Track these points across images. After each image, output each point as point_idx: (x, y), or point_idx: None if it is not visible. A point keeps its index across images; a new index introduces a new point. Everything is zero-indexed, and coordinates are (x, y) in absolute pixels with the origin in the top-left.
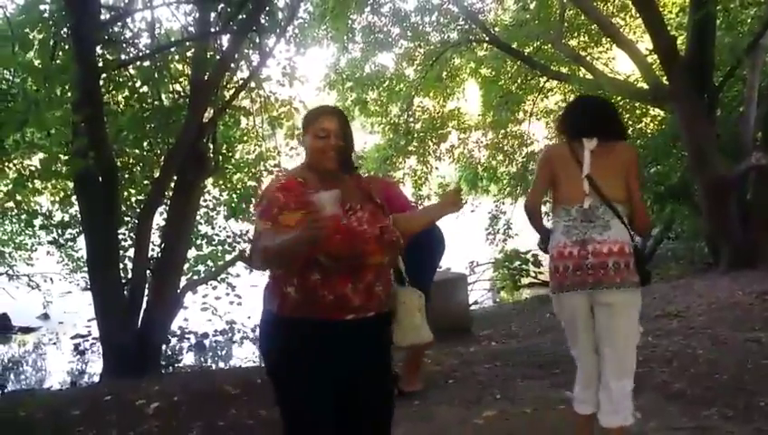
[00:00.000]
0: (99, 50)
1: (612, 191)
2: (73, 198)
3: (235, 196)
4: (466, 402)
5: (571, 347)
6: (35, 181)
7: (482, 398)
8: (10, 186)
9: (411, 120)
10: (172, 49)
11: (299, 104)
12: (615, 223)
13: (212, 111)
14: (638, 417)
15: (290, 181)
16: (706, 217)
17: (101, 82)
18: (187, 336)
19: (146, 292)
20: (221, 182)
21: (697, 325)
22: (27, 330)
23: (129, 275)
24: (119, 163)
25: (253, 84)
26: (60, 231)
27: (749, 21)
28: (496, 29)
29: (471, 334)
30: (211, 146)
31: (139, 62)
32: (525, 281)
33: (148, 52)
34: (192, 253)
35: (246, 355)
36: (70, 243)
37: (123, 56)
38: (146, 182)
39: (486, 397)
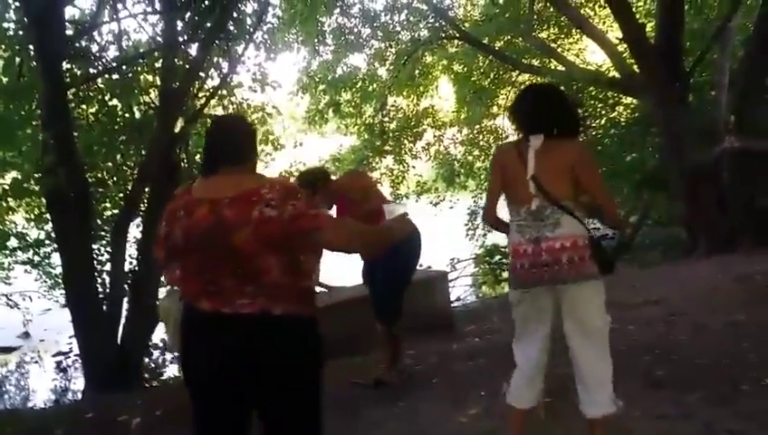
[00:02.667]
0: (66, 65)
1: (560, 191)
2: (47, 215)
3: None
4: (450, 400)
5: (515, 340)
6: (9, 200)
7: (466, 395)
8: None
9: (386, 119)
10: (140, 60)
11: (272, 109)
12: (565, 219)
13: (183, 121)
14: (620, 404)
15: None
16: (683, 203)
17: (70, 97)
18: (169, 349)
19: (125, 305)
20: None
21: (678, 311)
22: (8, 350)
23: (107, 290)
24: (91, 178)
25: (224, 92)
26: (35, 249)
27: (716, 5)
28: (466, 25)
29: (454, 331)
30: (184, 155)
31: (107, 75)
32: (506, 275)
33: (116, 64)
34: None
35: None
36: (46, 260)
37: (91, 70)
38: (120, 195)
39: (470, 394)
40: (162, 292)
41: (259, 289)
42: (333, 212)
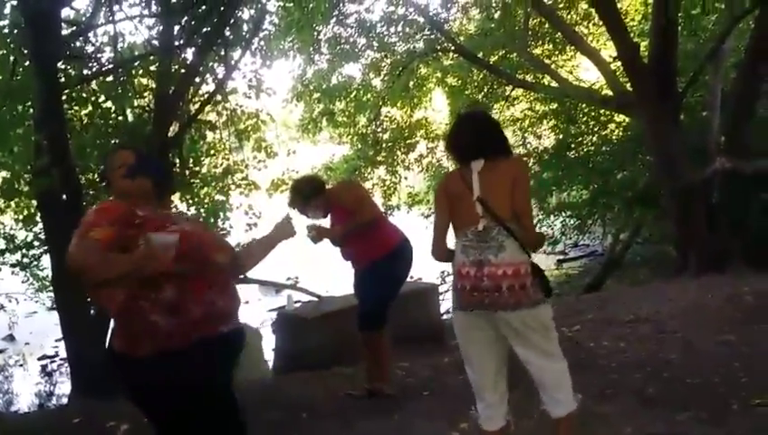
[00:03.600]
0: (60, 65)
1: (505, 212)
2: (37, 217)
3: (202, 210)
4: (442, 414)
5: (466, 366)
6: None
7: (457, 409)
8: None
9: (379, 130)
10: (136, 63)
11: (266, 117)
12: (509, 243)
13: (177, 126)
14: (579, 398)
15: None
16: (674, 222)
17: (64, 99)
18: None
19: None
20: (188, 197)
21: (668, 329)
22: None
23: None
24: (83, 180)
25: (219, 97)
26: (24, 251)
27: (710, 27)
28: (462, 38)
29: (444, 344)
30: (177, 160)
31: (102, 77)
32: None
33: (111, 66)
34: None
35: None
36: (35, 262)
37: (86, 71)
38: (111, 198)
39: (462, 408)
40: None
41: None
42: (327, 221)
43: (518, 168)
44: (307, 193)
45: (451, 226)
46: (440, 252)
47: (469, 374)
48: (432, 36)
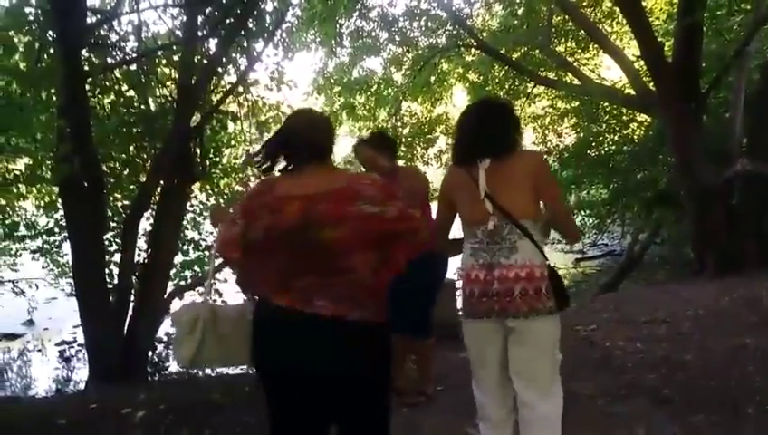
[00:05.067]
0: (84, 53)
1: (517, 208)
2: (58, 203)
3: (222, 201)
4: (456, 411)
5: (474, 382)
6: (20, 186)
7: (470, 406)
8: None
9: (399, 124)
10: (159, 53)
11: (287, 109)
12: (523, 244)
13: (199, 116)
14: None
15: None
16: (693, 223)
17: (87, 87)
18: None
19: (132, 298)
20: (208, 187)
21: (685, 331)
22: (12, 336)
23: (116, 281)
24: (105, 168)
25: (240, 89)
26: (45, 237)
27: (735, 28)
28: (484, 34)
29: (459, 340)
30: (198, 150)
31: (125, 66)
32: None
33: (134, 55)
34: (179, 258)
35: None
36: (55, 248)
37: (109, 60)
38: (132, 187)
39: (475, 405)
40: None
41: (340, 289)
42: None
43: (535, 160)
44: (381, 142)
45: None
46: (440, 247)
47: (474, 390)
48: (454, 32)
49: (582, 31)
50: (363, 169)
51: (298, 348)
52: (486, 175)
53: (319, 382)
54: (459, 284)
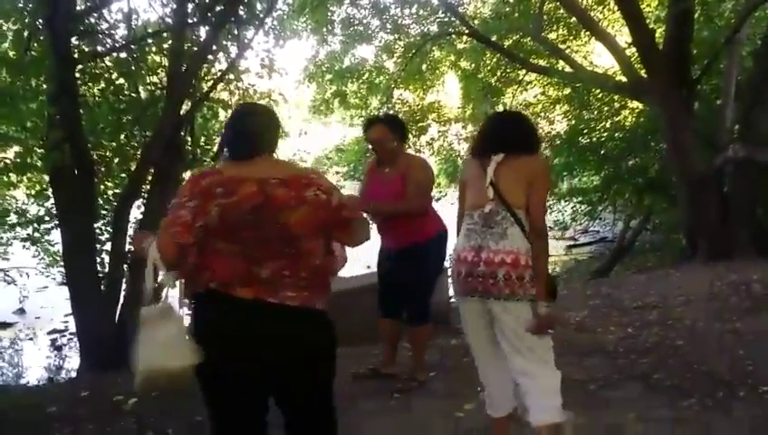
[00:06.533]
0: (74, 41)
1: (514, 198)
2: (49, 192)
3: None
4: (447, 396)
5: (472, 352)
6: (10, 175)
7: (462, 391)
8: None
9: (391, 112)
10: (149, 40)
11: (278, 96)
12: (513, 232)
13: (190, 104)
14: (571, 415)
15: None
16: (684, 210)
17: (77, 74)
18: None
19: (123, 285)
20: None
21: (676, 316)
22: (3, 325)
23: (106, 269)
24: (95, 156)
25: (231, 76)
26: (35, 226)
27: (726, 14)
28: (476, 21)
29: (451, 326)
30: (189, 138)
31: (115, 54)
32: None
33: (124, 43)
34: None
35: None
36: (46, 237)
37: (99, 48)
38: (123, 175)
39: (466, 390)
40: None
41: (305, 276)
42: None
43: (539, 164)
44: (395, 124)
45: None
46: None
47: (478, 369)
48: (446, 19)
49: (574, 18)
50: (370, 147)
51: (265, 343)
52: (496, 167)
53: (285, 369)
54: (450, 269)
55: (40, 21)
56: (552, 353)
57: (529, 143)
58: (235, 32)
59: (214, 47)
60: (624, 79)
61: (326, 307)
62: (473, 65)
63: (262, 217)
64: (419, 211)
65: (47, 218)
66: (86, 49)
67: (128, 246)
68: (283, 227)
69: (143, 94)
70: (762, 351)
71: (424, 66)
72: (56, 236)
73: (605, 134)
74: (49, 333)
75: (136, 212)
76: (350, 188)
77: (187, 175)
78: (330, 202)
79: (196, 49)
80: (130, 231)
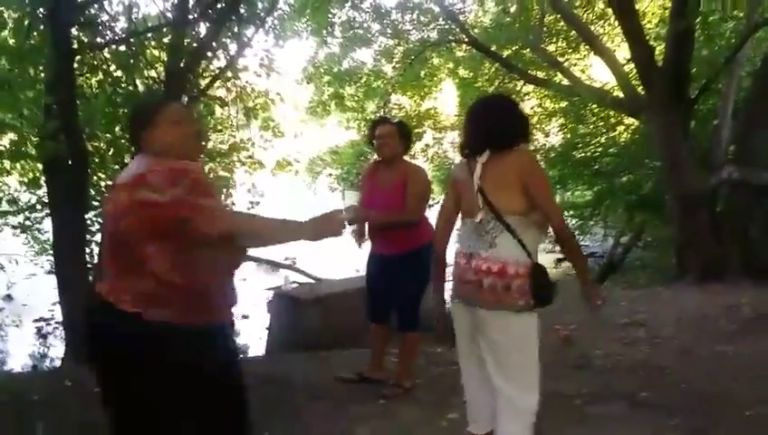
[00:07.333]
0: (74, 32)
1: (505, 204)
2: (42, 180)
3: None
4: (431, 403)
5: (459, 358)
6: (4, 162)
7: (447, 399)
8: None
9: (387, 117)
10: (149, 34)
11: (275, 96)
12: (503, 240)
13: (187, 99)
14: None
15: None
16: (677, 228)
17: (75, 65)
18: None
19: None
20: None
21: (664, 335)
22: None
23: (95, 260)
24: (90, 147)
25: (229, 74)
26: (27, 214)
27: (727, 35)
28: (476, 30)
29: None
30: None
31: (114, 46)
32: None
33: (124, 36)
34: None
35: None
36: (37, 225)
37: (99, 39)
38: (116, 167)
39: (451, 399)
40: None
41: (144, 283)
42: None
43: (524, 160)
44: (401, 128)
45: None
46: (439, 247)
47: (462, 371)
48: (446, 26)
49: (574, 31)
50: (374, 144)
51: (106, 338)
52: (482, 169)
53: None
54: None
55: (41, 10)
56: (536, 369)
57: (512, 135)
58: (236, 29)
59: (213, 44)
60: (621, 95)
61: (174, 321)
62: (471, 74)
63: (111, 224)
64: (416, 222)
65: (39, 207)
66: (85, 40)
67: None
68: (123, 234)
69: (140, 88)
70: (748, 374)
71: (422, 72)
72: (47, 224)
73: (599, 149)
74: (35, 320)
75: None
76: (350, 198)
77: None
78: (158, 200)
79: (195, 45)
80: None
